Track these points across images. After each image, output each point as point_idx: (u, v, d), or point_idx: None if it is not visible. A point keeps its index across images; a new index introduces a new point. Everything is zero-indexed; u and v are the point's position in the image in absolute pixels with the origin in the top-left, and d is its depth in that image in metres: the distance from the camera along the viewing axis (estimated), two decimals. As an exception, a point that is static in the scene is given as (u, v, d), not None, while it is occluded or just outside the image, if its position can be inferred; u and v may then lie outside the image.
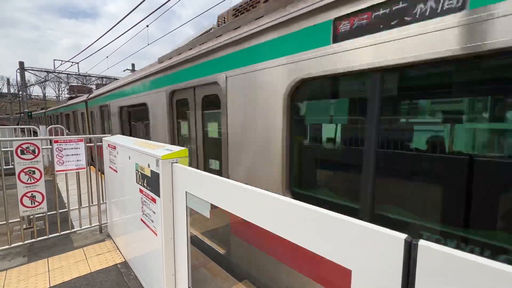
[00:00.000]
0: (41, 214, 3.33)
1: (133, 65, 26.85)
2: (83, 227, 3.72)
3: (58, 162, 3.39)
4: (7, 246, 3.14)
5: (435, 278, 0.64)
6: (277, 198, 1.03)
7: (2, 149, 3.70)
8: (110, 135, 3.72)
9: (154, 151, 1.98)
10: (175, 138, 3.84)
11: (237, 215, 1.24)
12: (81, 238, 3.60)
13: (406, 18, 1.44)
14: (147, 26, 11.93)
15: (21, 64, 20.48)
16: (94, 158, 3.74)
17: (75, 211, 3.85)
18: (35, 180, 3.21)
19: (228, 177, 2.63)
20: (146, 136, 4.78)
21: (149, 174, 2.06)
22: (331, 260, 0.83)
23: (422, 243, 0.67)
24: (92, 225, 3.78)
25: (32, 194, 3.20)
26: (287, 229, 0.99)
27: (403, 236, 0.70)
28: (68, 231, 3.59)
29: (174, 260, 1.94)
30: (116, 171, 2.97)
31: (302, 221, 0.93)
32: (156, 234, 2.03)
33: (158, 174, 1.88)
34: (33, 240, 3.36)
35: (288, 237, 0.98)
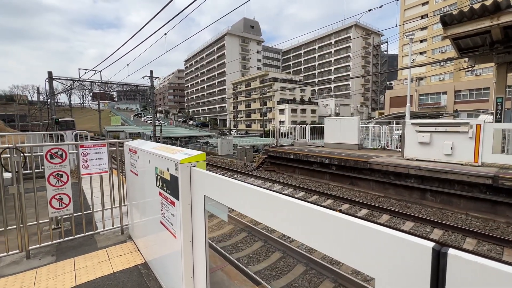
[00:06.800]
0: (68, 216, 3.51)
1: (151, 71, 27.76)
2: (106, 229, 3.88)
3: (83, 166, 3.57)
4: (38, 245, 3.33)
5: (467, 289, 0.61)
6: (297, 203, 1.02)
7: (33, 154, 3.94)
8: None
9: (173, 155, 2.03)
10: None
11: (256, 220, 1.24)
12: (104, 239, 3.74)
13: None
14: (165, 34, 12.34)
15: (50, 73, 21.80)
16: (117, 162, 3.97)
17: (99, 213, 4.02)
18: (63, 183, 3.39)
19: None
20: None
21: (168, 178, 2.11)
22: (354, 267, 0.81)
23: (451, 252, 0.63)
24: (114, 226, 3.92)
25: (60, 196, 3.38)
26: (309, 236, 0.97)
27: (431, 244, 0.67)
28: (92, 232, 3.76)
29: (193, 263, 1.97)
30: (137, 175, 3.07)
31: (324, 227, 0.92)
32: (175, 237, 2.07)
33: (177, 177, 1.92)
34: (61, 240, 3.54)
35: (311, 243, 0.97)
